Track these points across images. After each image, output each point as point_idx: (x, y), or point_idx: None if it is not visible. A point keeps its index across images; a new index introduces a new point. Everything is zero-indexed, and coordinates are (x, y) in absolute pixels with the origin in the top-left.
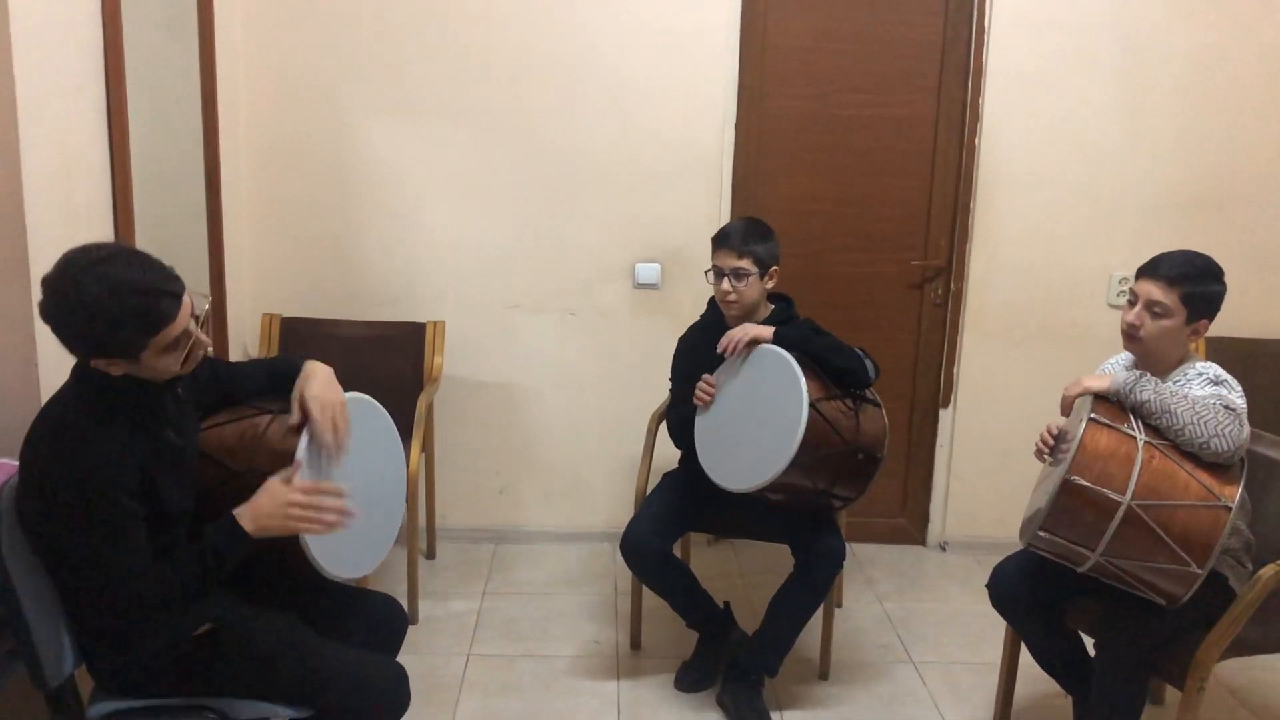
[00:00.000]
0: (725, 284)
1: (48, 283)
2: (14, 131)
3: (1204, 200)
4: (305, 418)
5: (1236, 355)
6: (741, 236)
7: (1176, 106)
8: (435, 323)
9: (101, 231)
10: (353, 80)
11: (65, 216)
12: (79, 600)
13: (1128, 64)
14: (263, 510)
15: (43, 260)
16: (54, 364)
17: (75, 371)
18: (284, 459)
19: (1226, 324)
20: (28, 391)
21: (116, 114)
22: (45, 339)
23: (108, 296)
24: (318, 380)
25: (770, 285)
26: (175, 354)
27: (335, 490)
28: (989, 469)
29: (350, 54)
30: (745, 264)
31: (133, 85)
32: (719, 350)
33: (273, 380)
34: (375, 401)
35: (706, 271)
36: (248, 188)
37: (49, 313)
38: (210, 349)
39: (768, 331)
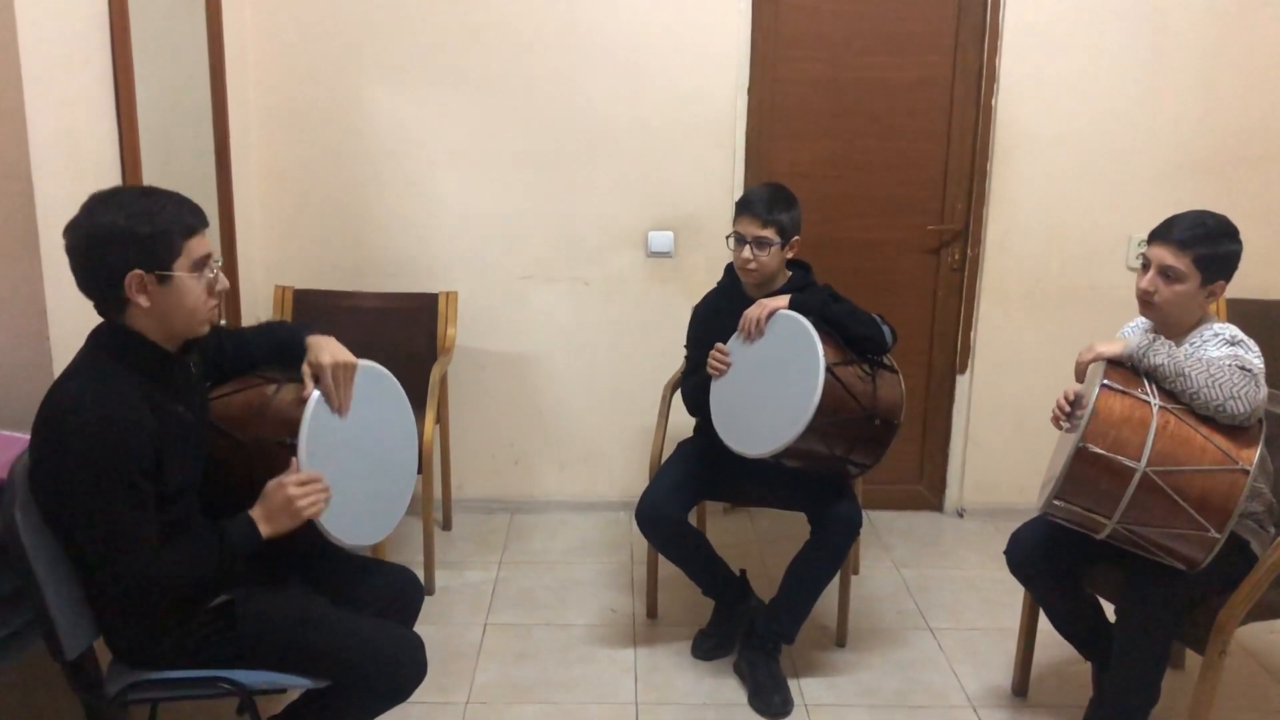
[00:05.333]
0: (746, 251)
1: (75, 220)
2: (20, 104)
3: (1225, 160)
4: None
5: (1258, 316)
6: (767, 205)
7: (1197, 65)
8: (448, 293)
9: None
10: (362, 47)
11: (73, 190)
12: (93, 572)
13: (1147, 22)
14: (272, 512)
15: (52, 233)
16: (66, 339)
17: (89, 343)
18: (290, 427)
19: (1247, 285)
20: (40, 366)
21: (123, 85)
22: (57, 313)
23: (143, 201)
24: (326, 349)
25: (791, 255)
26: (203, 279)
27: (315, 476)
28: (1007, 435)
29: (360, 20)
30: (769, 233)
31: (139, 56)
32: (740, 334)
33: (276, 349)
34: (383, 368)
35: (727, 236)
36: (258, 159)
37: (81, 237)
38: (228, 286)
39: (783, 300)
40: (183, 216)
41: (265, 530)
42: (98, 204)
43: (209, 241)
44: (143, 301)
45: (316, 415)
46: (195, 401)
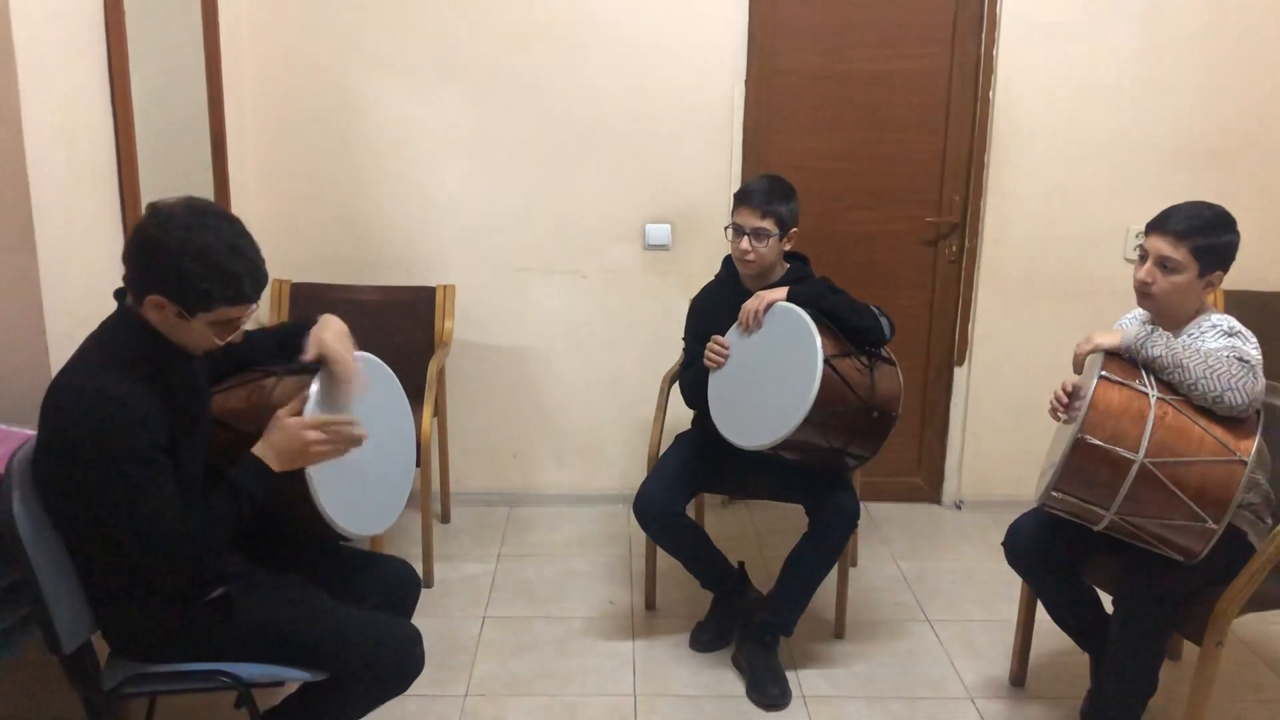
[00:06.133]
0: (745, 243)
1: (163, 213)
2: (15, 98)
3: (1224, 151)
4: (320, 358)
5: (1256, 308)
6: (765, 196)
7: (1196, 55)
8: (445, 286)
9: (106, 198)
10: (360, 40)
11: (69, 183)
12: (95, 563)
13: (1146, 11)
14: (282, 446)
15: (48, 227)
16: (62, 333)
17: (99, 330)
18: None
19: (1246, 276)
20: (37, 361)
21: (119, 78)
22: (53, 308)
23: (225, 250)
24: (332, 330)
25: (789, 247)
26: (217, 333)
27: (346, 420)
28: (1004, 426)
29: (356, 13)
30: (767, 224)
31: (135, 48)
32: (738, 326)
33: (282, 346)
34: (379, 360)
35: (726, 228)
36: (255, 152)
37: (151, 235)
38: (240, 340)
39: (782, 292)
40: (241, 288)
41: (278, 467)
42: (187, 217)
43: (253, 308)
44: (152, 315)
45: (319, 399)
46: (198, 395)
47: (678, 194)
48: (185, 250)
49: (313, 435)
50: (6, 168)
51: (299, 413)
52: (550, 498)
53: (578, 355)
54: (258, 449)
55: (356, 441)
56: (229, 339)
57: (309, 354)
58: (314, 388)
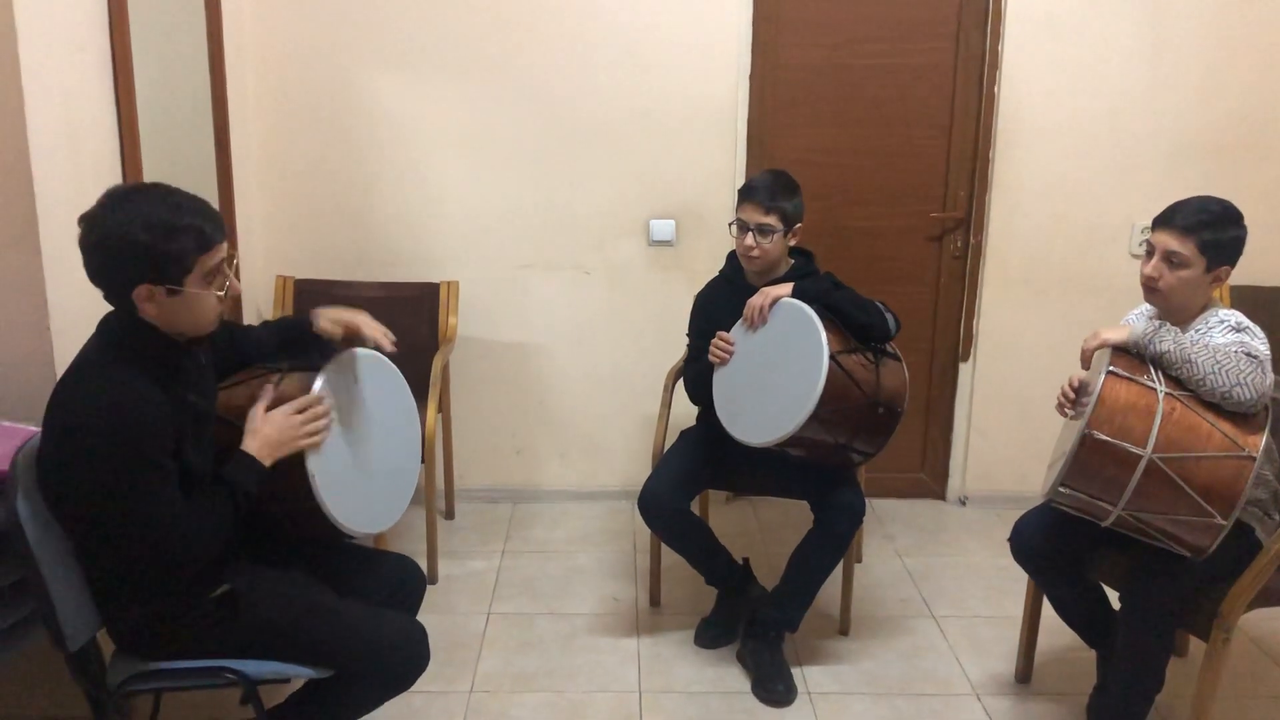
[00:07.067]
0: (749, 239)
1: (92, 214)
2: (18, 92)
3: (1229, 146)
4: (345, 335)
5: (1263, 303)
6: (769, 192)
7: (1201, 50)
8: (449, 283)
9: None
10: (362, 36)
11: (73, 178)
12: (99, 561)
13: (1150, 7)
14: (271, 437)
15: (52, 223)
16: (67, 329)
17: (101, 330)
18: None
19: (1252, 272)
20: (41, 357)
21: (122, 73)
22: (58, 303)
23: (163, 211)
24: (338, 307)
25: (793, 242)
26: (215, 287)
27: (316, 398)
28: (1010, 422)
29: (360, 8)
30: (771, 220)
31: (138, 43)
32: (743, 322)
33: (284, 342)
34: (387, 359)
35: (730, 224)
36: (258, 147)
37: (96, 238)
38: (239, 292)
39: (787, 288)
40: (202, 231)
41: (268, 460)
42: (116, 205)
43: (225, 246)
44: (150, 309)
45: (327, 389)
46: (205, 391)
47: (682, 189)
48: (131, 228)
49: (299, 418)
50: (10, 164)
51: (271, 407)
52: (554, 494)
53: (581, 351)
54: (246, 445)
55: (327, 420)
56: (229, 290)
57: (336, 336)
58: (319, 382)
